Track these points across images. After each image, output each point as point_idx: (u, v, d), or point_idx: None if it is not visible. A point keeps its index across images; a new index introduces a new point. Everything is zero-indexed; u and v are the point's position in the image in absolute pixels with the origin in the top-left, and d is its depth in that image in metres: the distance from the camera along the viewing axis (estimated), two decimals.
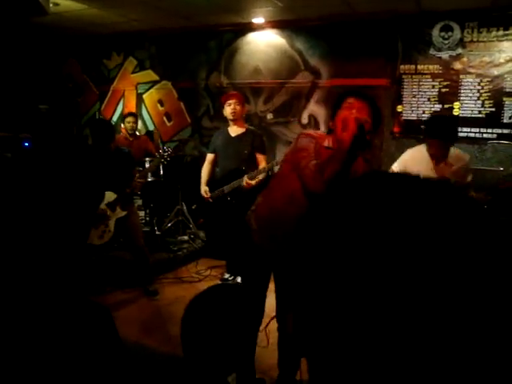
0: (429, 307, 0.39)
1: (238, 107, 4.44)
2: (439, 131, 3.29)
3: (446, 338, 0.38)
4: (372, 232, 0.42)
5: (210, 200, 4.61)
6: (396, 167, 3.64)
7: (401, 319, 0.39)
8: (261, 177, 4.25)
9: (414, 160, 3.52)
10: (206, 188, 4.63)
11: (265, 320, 2.54)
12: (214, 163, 4.69)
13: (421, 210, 0.42)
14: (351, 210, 0.45)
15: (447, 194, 0.44)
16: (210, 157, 4.71)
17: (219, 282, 4.71)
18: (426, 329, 0.38)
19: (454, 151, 3.43)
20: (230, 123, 4.56)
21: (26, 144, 6.63)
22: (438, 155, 3.37)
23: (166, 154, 4.95)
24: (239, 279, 4.62)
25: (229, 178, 4.42)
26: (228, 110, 4.46)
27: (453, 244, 0.40)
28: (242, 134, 4.49)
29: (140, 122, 7.18)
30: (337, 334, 0.42)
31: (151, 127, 7.34)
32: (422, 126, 4.83)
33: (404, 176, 0.48)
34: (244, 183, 4.22)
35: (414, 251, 0.40)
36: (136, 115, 6.38)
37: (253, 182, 4.18)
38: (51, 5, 5.15)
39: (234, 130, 4.54)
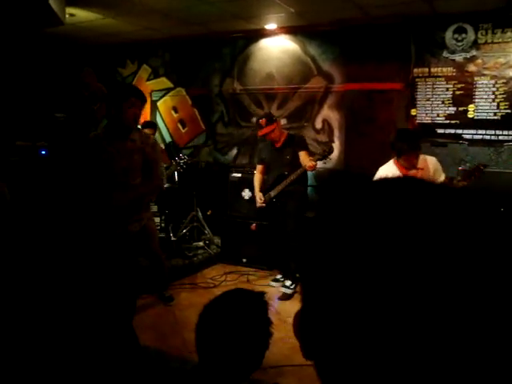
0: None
1: (274, 134, 4.71)
2: (417, 143, 3.71)
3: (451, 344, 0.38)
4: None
5: (264, 205, 4.91)
6: None
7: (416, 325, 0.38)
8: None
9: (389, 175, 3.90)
10: (261, 194, 4.96)
11: (278, 324, 2.54)
12: (263, 172, 5.05)
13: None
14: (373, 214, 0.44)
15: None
16: (259, 167, 5.09)
17: (234, 288, 4.73)
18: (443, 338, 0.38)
19: (421, 156, 3.78)
20: None
21: (43, 152, 6.74)
22: (413, 164, 3.68)
23: (182, 161, 4.98)
24: (288, 282, 4.82)
25: (275, 184, 4.81)
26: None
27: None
28: (284, 143, 4.80)
29: None
30: (347, 337, 0.42)
31: (165, 133, 7.39)
32: (438, 129, 4.84)
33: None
34: (308, 165, 4.47)
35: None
36: (155, 126, 6.34)
37: (314, 163, 4.46)
38: (67, 15, 5.24)
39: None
